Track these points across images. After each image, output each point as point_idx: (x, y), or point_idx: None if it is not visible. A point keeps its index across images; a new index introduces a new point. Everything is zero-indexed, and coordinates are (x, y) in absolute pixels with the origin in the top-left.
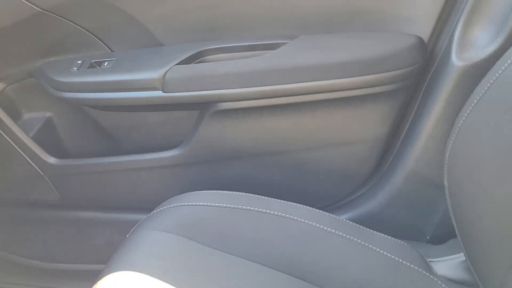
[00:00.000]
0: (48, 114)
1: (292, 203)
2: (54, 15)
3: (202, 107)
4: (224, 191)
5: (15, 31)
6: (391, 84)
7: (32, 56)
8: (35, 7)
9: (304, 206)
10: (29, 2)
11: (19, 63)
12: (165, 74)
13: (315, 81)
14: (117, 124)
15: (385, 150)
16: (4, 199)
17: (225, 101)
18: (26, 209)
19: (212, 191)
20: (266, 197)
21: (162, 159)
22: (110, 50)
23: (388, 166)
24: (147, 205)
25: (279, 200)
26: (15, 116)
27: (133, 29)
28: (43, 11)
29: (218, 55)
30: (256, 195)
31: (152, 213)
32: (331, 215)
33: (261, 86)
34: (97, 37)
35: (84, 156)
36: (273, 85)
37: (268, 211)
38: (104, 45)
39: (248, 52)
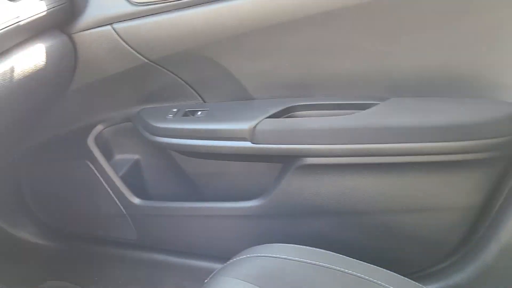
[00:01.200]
0: (136, 156)
1: (374, 266)
2: (158, 66)
3: (287, 160)
4: (305, 246)
5: (122, 78)
6: (489, 152)
7: (132, 102)
8: (144, 58)
9: (387, 271)
10: (139, 54)
11: (120, 107)
12: (255, 126)
13: (407, 143)
14: (200, 171)
15: (477, 219)
16: (86, 234)
17: (311, 156)
18: (104, 246)
19: (292, 245)
20: (347, 257)
21: (241, 209)
22: (203, 100)
23: (480, 237)
24: (222, 253)
25: (360, 261)
26: (108, 156)
27: (228, 83)
28: (149, 62)
29: (307, 111)
30: (337, 254)
31: (230, 261)
32: (415, 283)
33: (349, 144)
34: (193, 88)
35: (164, 199)
36: (362, 144)
37: (349, 271)
38: (198, 95)
39: (337, 111)
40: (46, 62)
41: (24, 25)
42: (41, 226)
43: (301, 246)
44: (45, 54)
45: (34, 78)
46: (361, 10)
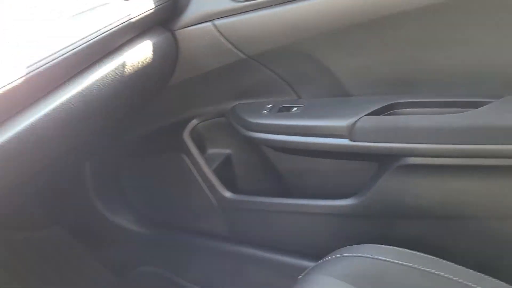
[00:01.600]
0: (227, 151)
1: (480, 274)
2: (255, 62)
3: (386, 159)
4: (406, 250)
5: (219, 74)
6: None
7: (227, 98)
8: (242, 54)
9: (494, 279)
10: (238, 50)
11: (215, 103)
12: (354, 123)
13: None
14: (292, 167)
15: None
16: (178, 224)
17: (414, 156)
18: (195, 237)
19: (392, 247)
20: (453, 264)
21: (334, 207)
22: (299, 96)
23: None
24: (312, 251)
25: (467, 269)
26: (201, 150)
27: (324, 79)
28: (247, 58)
29: (411, 109)
30: (442, 260)
31: (325, 259)
32: None
33: (459, 144)
34: (288, 84)
35: (254, 194)
36: (473, 144)
37: (456, 278)
38: (293, 91)
39: (445, 109)
40: (152, 58)
41: (134, 22)
42: (137, 214)
43: (403, 249)
44: (151, 50)
45: (141, 74)
46: None
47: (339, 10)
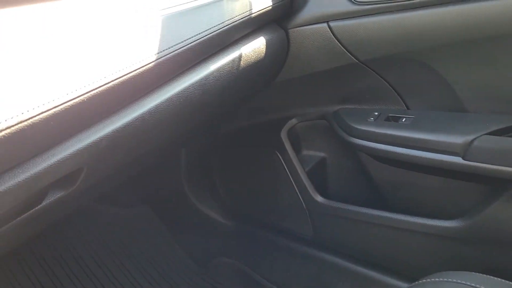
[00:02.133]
0: (322, 154)
1: None
2: (366, 67)
3: (503, 183)
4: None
5: (326, 76)
6: None
7: (330, 101)
8: (353, 58)
9: None
10: (350, 53)
11: (317, 104)
12: (472, 141)
13: None
14: (390, 179)
15: None
16: (262, 220)
17: None
18: (278, 235)
19: (500, 279)
20: None
21: (436, 227)
22: (407, 107)
23: None
24: (403, 270)
25: None
26: (297, 150)
27: (439, 91)
28: (358, 62)
29: None
30: None
31: (421, 281)
32: None
33: None
34: (398, 93)
35: (345, 201)
36: None
37: None
38: (402, 101)
39: None
40: (265, 54)
41: (253, 18)
42: (223, 205)
43: (508, 282)
44: (265, 46)
45: (254, 68)
46: None
47: (467, 21)
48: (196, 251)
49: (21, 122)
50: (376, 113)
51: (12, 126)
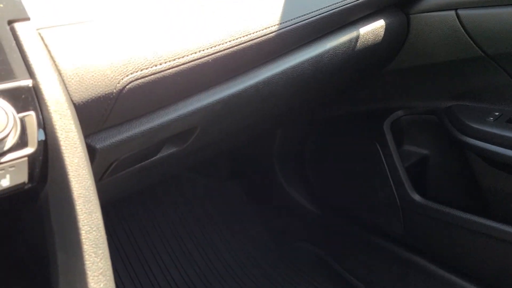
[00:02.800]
0: (425, 151)
1: None
2: (493, 62)
3: None
4: None
5: (444, 68)
6: None
7: (443, 95)
8: (480, 51)
9: None
10: (477, 45)
11: (427, 98)
12: None
13: None
14: (501, 187)
15: None
16: (351, 212)
17: None
18: (365, 229)
19: None
20: None
21: None
22: None
23: None
24: (499, 285)
25: None
26: (398, 144)
27: None
28: (485, 56)
29: None
30: None
31: None
32: None
33: None
34: None
35: (444, 203)
36: None
37: None
38: None
39: None
40: (382, 38)
41: None
42: (312, 191)
43: None
44: (383, 30)
45: (369, 51)
46: None
47: None
48: (278, 231)
49: (153, 73)
50: (497, 113)
51: (145, 76)
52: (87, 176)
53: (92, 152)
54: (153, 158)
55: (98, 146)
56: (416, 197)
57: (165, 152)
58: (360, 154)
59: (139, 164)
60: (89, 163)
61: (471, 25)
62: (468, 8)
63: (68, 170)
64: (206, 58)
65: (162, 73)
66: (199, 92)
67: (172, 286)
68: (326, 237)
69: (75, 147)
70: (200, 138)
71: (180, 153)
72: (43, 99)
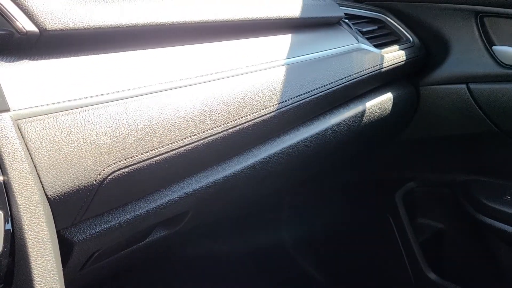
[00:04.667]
0: (440, 225)
1: None
2: (508, 138)
3: None
4: None
5: (457, 141)
6: None
7: (457, 169)
8: (493, 126)
9: None
10: (490, 121)
11: (441, 170)
12: None
13: None
14: None
15: None
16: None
17: None
18: None
19: None
20: None
21: None
22: None
23: None
24: None
25: None
26: (411, 216)
27: None
28: (499, 131)
29: None
30: None
31: None
32: None
33: None
34: None
35: (461, 284)
36: None
37: None
38: None
39: None
40: (390, 111)
41: (383, 72)
42: (322, 262)
43: None
44: (392, 103)
45: (376, 126)
46: None
47: None
48: None
49: (139, 162)
50: None
51: (130, 165)
52: (54, 281)
53: (69, 246)
54: (141, 243)
55: (76, 239)
56: (432, 275)
57: (155, 235)
58: (371, 225)
59: (126, 250)
60: (59, 264)
61: (483, 100)
62: (479, 82)
63: (33, 276)
64: (197, 143)
65: (147, 161)
66: (190, 176)
67: None
68: None
69: (43, 248)
70: (193, 221)
71: (172, 236)
72: (13, 196)
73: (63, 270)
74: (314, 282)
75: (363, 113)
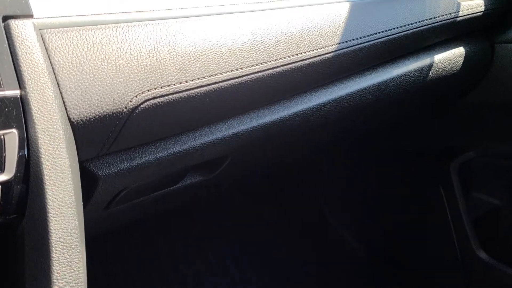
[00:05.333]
0: (496, 201)
1: None
2: None
3: None
4: None
5: None
6: None
7: None
8: None
9: None
10: None
11: (508, 140)
12: None
13: None
14: None
15: None
16: (402, 261)
17: None
18: (418, 284)
19: None
20: None
21: None
22: None
23: None
24: None
25: None
26: (464, 190)
27: None
28: None
29: None
30: None
31: None
32: None
33: None
34: None
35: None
36: None
37: None
38: None
39: None
40: (460, 68)
41: (458, 21)
42: (361, 232)
43: None
44: (462, 59)
45: (442, 82)
46: None
47: None
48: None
49: (176, 92)
50: None
51: (166, 95)
52: (72, 216)
53: (93, 180)
54: (173, 187)
55: (101, 173)
56: (482, 255)
57: (188, 181)
58: (420, 197)
59: (155, 194)
60: (79, 199)
61: None
62: None
63: (48, 207)
64: (244, 78)
65: (187, 92)
66: (232, 117)
67: None
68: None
69: (62, 178)
70: (230, 169)
71: (205, 183)
72: (31, 114)
73: (85, 206)
74: (352, 252)
75: (430, 66)
